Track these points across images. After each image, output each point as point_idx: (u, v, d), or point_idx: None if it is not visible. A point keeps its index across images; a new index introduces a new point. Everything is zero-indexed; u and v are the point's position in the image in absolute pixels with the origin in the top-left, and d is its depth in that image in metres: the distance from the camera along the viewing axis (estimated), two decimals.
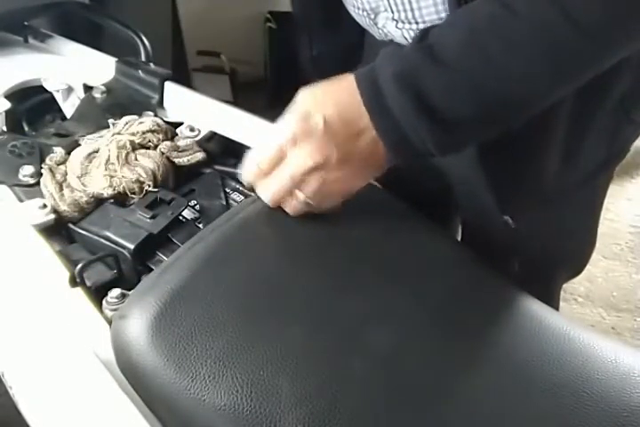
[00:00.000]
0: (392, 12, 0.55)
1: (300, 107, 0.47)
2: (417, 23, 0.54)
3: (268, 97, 2.09)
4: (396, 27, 0.56)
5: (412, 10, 0.53)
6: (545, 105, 0.48)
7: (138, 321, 0.42)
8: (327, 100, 0.47)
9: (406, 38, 0.56)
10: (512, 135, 0.55)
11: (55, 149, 0.62)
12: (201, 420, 0.40)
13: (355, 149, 0.46)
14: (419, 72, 0.44)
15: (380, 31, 0.59)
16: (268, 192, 0.50)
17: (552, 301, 0.82)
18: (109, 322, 0.47)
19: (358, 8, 0.60)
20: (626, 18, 0.42)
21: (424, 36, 0.45)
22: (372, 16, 0.58)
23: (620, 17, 0.42)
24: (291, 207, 0.50)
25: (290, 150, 0.47)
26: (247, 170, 0.50)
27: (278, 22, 2.01)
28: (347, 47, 0.71)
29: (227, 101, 0.71)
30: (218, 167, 0.66)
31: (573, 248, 0.76)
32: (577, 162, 0.63)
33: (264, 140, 0.49)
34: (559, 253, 0.74)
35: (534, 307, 0.51)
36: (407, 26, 0.55)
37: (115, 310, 0.48)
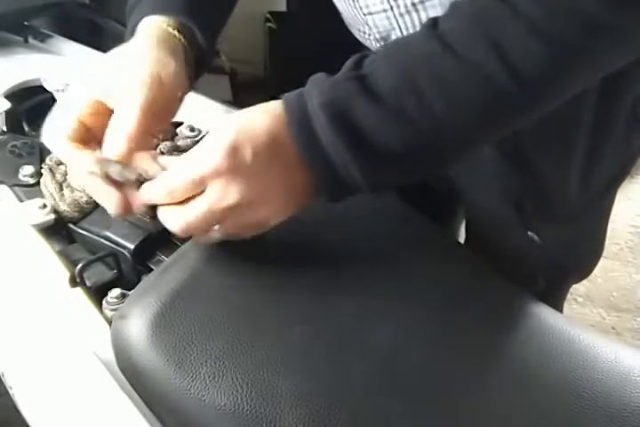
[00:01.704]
0: None
1: (228, 136, 0.41)
2: None
3: (267, 97, 2.08)
4: None
5: None
6: (477, 148, 0.46)
7: (138, 321, 0.42)
8: (256, 129, 0.42)
9: None
10: (536, 149, 0.55)
11: None
12: (201, 420, 0.40)
13: (283, 183, 0.43)
14: (349, 102, 0.40)
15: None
16: (179, 222, 0.43)
17: (558, 305, 0.82)
18: (109, 322, 0.47)
19: (364, 33, 0.58)
20: (569, 65, 0.40)
21: (358, 64, 0.42)
22: (381, 42, 0.57)
23: (563, 65, 0.40)
24: (204, 239, 0.46)
25: (211, 183, 0.41)
26: (153, 192, 0.44)
27: (278, 22, 2.01)
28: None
29: (227, 101, 0.71)
30: None
31: (583, 256, 0.76)
32: (597, 173, 0.63)
33: (182, 165, 0.43)
34: (569, 263, 0.74)
35: (534, 307, 0.51)
36: None
37: (115, 310, 0.48)
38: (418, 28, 0.49)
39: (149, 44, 0.49)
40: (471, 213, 0.74)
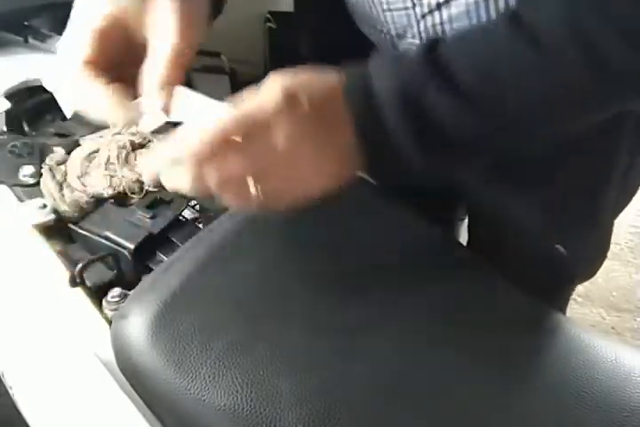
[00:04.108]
0: (420, 40, 0.52)
1: (285, 81, 0.39)
2: None
3: None
4: None
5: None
6: (535, 145, 0.47)
7: (138, 321, 0.42)
8: (312, 84, 0.40)
9: None
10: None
11: (55, 148, 0.62)
12: (201, 420, 0.40)
13: (331, 146, 0.41)
14: (423, 88, 0.39)
15: (396, 52, 0.56)
16: (215, 174, 0.39)
17: (563, 307, 0.82)
18: (109, 322, 0.47)
19: (381, 31, 0.57)
20: None
21: (432, 47, 0.40)
22: (395, 40, 0.55)
23: None
24: (242, 202, 0.42)
25: (267, 124, 0.39)
26: (192, 139, 0.41)
27: (278, 22, 2.00)
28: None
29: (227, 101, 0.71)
30: None
31: (590, 260, 0.76)
32: (630, 190, 0.64)
33: (240, 104, 0.40)
34: (577, 267, 0.74)
35: (534, 307, 0.51)
36: None
37: (115, 309, 0.48)
38: (438, 28, 0.49)
39: None
40: (492, 222, 0.72)
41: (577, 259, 0.68)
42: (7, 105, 0.69)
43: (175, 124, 0.68)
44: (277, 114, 0.39)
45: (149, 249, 0.54)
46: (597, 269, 0.78)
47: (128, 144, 0.59)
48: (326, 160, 0.42)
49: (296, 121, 0.39)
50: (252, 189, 0.40)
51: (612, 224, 0.73)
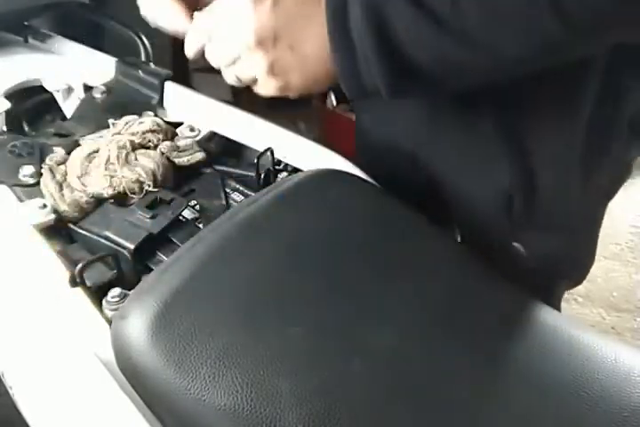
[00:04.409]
0: None
1: None
2: None
3: (268, 97, 2.08)
4: None
5: None
6: (498, 80, 0.47)
7: (138, 321, 0.42)
8: None
9: None
10: (536, 138, 0.54)
11: (55, 148, 0.62)
12: (201, 420, 0.40)
13: (316, 44, 0.45)
14: (388, 2, 0.41)
15: None
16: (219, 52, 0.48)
17: (556, 307, 0.82)
18: (109, 322, 0.47)
19: None
20: (612, 12, 0.40)
21: None
22: None
23: (608, 11, 0.40)
24: (244, 71, 0.48)
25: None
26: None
27: None
28: None
29: (227, 101, 0.71)
30: (218, 167, 0.66)
31: (576, 262, 0.75)
32: (594, 183, 0.62)
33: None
34: (562, 269, 0.73)
35: (534, 307, 0.51)
36: None
37: (115, 309, 0.48)
38: None
39: None
40: (460, 211, 0.72)
41: (541, 258, 0.67)
42: (7, 105, 0.69)
43: (175, 125, 0.68)
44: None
45: (149, 249, 0.54)
46: (584, 274, 0.77)
47: (128, 144, 0.59)
48: (312, 56, 0.46)
49: (290, 13, 0.45)
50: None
51: (593, 228, 0.71)
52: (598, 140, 0.59)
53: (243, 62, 0.48)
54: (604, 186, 0.65)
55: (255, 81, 0.49)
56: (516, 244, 0.63)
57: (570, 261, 0.72)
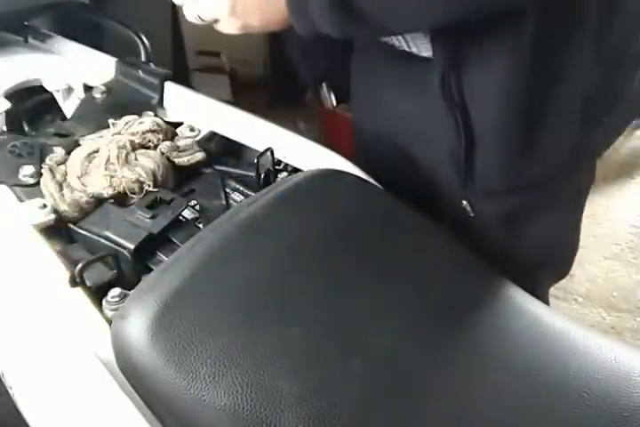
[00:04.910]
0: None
1: None
2: None
3: (267, 97, 2.09)
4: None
5: None
6: (437, 25, 0.50)
7: (138, 321, 0.42)
8: None
9: None
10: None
11: (55, 148, 0.62)
12: (201, 420, 0.40)
13: None
14: None
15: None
16: None
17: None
18: (109, 322, 0.47)
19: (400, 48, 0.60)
20: None
21: None
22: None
23: None
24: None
25: None
26: None
27: None
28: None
29: (227, 101, 0.71)
30: (218, 167, 0.66)
31: (555, 254, 0.75)
32: (537, 153, 0.59)
33: None
34: (541, 259, 0.72)
35: (535, 307, 0.51)
36: None
37: (115, 310, 0.48)
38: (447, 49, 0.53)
39: None
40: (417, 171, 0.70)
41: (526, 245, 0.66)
42: (7, 105, 0.69)
43: (175, 125, 0.68)
44: None
45: (149, 249, 0.54)
46: (566, 268, 0.76)
47: (128, 144, 0.59)
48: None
49: None
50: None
51: (575, 208, 0.70)
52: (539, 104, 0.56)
53: (206, 2, 0.50)
54: (553, 163, 0.61)
55: (216, 20, 0.52)
56: (464, 202, 0.63)
57: (548, 252, 0.72)
